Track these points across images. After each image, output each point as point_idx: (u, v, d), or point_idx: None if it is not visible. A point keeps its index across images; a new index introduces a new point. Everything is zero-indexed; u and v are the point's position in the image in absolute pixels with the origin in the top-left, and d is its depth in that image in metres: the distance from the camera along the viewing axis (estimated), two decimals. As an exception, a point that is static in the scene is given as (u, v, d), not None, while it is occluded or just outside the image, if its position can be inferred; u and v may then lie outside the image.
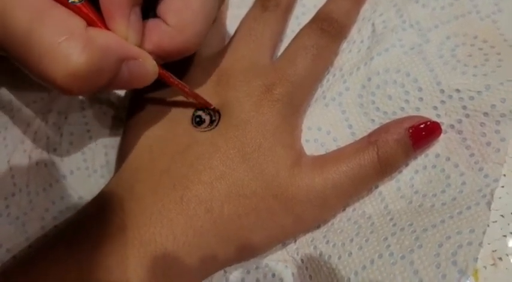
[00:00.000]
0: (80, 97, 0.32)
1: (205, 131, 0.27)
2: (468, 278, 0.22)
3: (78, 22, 0.21)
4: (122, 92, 0.33)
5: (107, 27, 0.23)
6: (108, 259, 0.24)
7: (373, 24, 0.30)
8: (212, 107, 0.27)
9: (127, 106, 0.31)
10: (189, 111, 0.28)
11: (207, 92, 0.28)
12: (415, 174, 0.27)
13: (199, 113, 0.28)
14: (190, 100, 0.27)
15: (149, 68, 0.23)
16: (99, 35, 0.21)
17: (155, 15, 0.24)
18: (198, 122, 0.27)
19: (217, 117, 0.27)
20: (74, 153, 0.31)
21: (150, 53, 0.24)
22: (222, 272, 0.27)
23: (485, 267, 0.25)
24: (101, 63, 0.21)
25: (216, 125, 0.27)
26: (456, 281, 0.22)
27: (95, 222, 0.26)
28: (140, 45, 0.24)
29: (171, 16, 0.24)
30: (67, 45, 0.20)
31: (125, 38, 0.23)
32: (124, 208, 0.25)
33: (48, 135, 0.31)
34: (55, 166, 0.30)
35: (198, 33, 0.24)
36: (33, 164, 0.30)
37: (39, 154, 0.30)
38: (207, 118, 0.27)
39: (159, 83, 0.29)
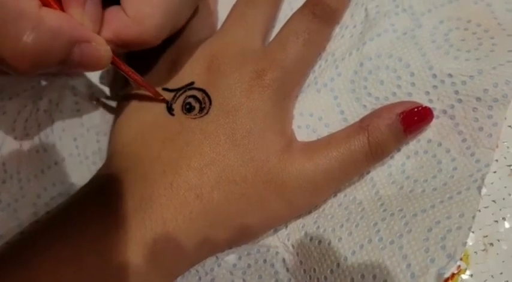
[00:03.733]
0: (72, 84, 0.32)
1: (195, 118, 0.27)
2: (456, 262, 0.22)
3: (31, 1, 0.21)
4: (114, 79, 0.33)
5: (63, 10, 0.23)
6: (98, 243, 0.24)
7: (366, 9, 0.30)
8: (162, 98, 0.28)
9: (119, 93, 0.31)
10: (180, 99, 0.28)
11: (197, 78, 0.28)
12: (407, 159, 0.27)
13: (190, 100, 0.27)
14: (142, 90, 0.28)
15: (102, 53, 0.24)
16: (51, 15, 0.21)
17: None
18: (188, 109, 0.27)
19: (207, 104, 0.27)
20: (65, 140, 0.31)
21: (109, 40, 0.24)
22: (213, 257, 0.28)
23: (476, 253, 0.25)
24: (50, 44, 0.21)
25: (207, 112, 0.27)
26: (444, 265, 0.22)
27: (86, 208, 0.26)
28: (98, 31, 0.24)
29: (130, 7, 0.24)
30: (16, 24, 0.20)
31: (81, 23, 0.23)
32: (115, 194, 0.26)
33: (39, 122, 0.31)
34: (47, 153, 0.30)
35: (156, 27, 0.25)
36: (24, 151, 0.30)
37: (30, 141, 0.31)
38: (197, 105, 0.27)
39: (150, 69, 0.29)
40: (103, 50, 0.24)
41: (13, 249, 0.26)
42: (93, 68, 0.24)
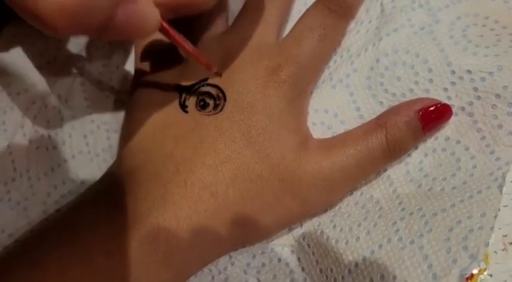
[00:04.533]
0: (81, 80, 0.31)
1: (209, 115, 0.26)
2: (479, 262, 0.22)
3: None
4: (124, 75, 0.32)
5: None
6: (109, 243, 0.24)
7: (381, 4, 0.29)
8: (215, 71, 0.26)
9: (129, 89, 0.31)
10: (194, 95, 0.27)
11: (211, 73, 0.27)
12: (425, 157, 0.26)
13: (204, 96, 0.27)
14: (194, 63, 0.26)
15: (149, 17, 0.21)
16: None
17: None
18: (202, 105, 0.27)
19: (221, 101, 0.27)
20: (75, 137, 0.30)
21: (157, 2, 0.21)
22: (227, 256, 0.27)
23: (496, 252, 0.24)
24: (92, 0, 0.18)
25: (221, 109, 0.27)
26: (467, 265, 0.22)
27: (96, 207, 0.26)
28: None
29: None
30: None
31: None
32: (126, 192, 0.25)
33: (48, 119, 0.31)
34: (56, 150, 0.30)
35: None
36: (33, 148, 0.30)
37: (39, 138, 0.30)
38: (211, 102, 0.27)
39: (162, 65, 0.29)
40: (151, 12, 0.21)
41: (22, 248, 0.26)
42: (138, 34, 0.21)
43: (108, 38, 0.21)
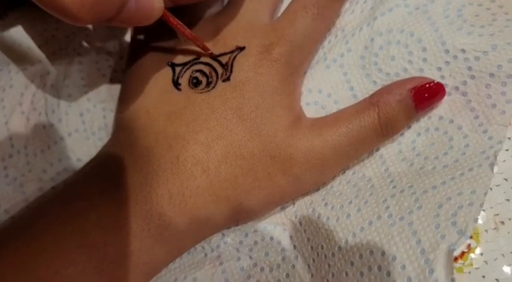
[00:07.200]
0: (79, 59, 0.31)
1: (202, 93, 0.27)
2: (467, 238, 0.22)
3: None
4: (121, 54, 0.32)
5: None
6: (103, 218, 0.24)
7: (377, -16, 0.29)
8: (210, 52, 0.27)
9: (124, 68, 0.31)
10: (187, 73, 0.27)
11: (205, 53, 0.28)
12: (417, 136, 0.26)
13: (196, 74, 0.27)
14: (190, 45, 0.27)
15: (155, 4, 0.22)
16: None
17: None
18: (195, 83, 0.27)
19: (214, 78, 0.27)
20: (72, 115, 0.31)
21: None
22: (220, 234, 0.27)
23: (486, 231, 0.24)
24: None
25: (214, 86, 0.27)
26: (455, 241, 0.22)
27: (91, 183, 0.26)
28: None
29: None
30: None
31: None
32: (120, 168, 0.25)
33: (46, 97, 0.31)
34: (53, 128, 0.30)
35: None
36: (31, 125, 0.30)
37: (37, 116, 0.30)
38: (204, 79, 0.27)
39: (157, 44, 0.29)
40: (157, 2, 0.23)
41: (18, 223, 0.26)
42: (144, 20, 0.23)
43: (114, 25, 0.22)
